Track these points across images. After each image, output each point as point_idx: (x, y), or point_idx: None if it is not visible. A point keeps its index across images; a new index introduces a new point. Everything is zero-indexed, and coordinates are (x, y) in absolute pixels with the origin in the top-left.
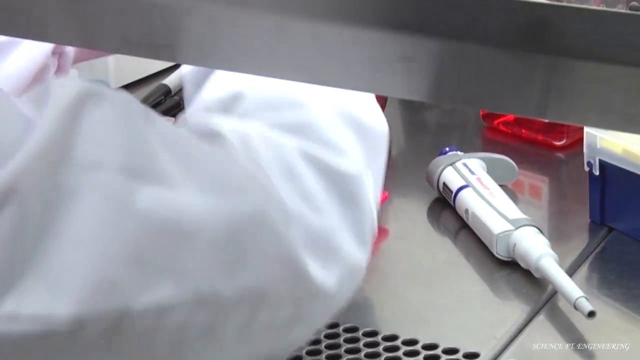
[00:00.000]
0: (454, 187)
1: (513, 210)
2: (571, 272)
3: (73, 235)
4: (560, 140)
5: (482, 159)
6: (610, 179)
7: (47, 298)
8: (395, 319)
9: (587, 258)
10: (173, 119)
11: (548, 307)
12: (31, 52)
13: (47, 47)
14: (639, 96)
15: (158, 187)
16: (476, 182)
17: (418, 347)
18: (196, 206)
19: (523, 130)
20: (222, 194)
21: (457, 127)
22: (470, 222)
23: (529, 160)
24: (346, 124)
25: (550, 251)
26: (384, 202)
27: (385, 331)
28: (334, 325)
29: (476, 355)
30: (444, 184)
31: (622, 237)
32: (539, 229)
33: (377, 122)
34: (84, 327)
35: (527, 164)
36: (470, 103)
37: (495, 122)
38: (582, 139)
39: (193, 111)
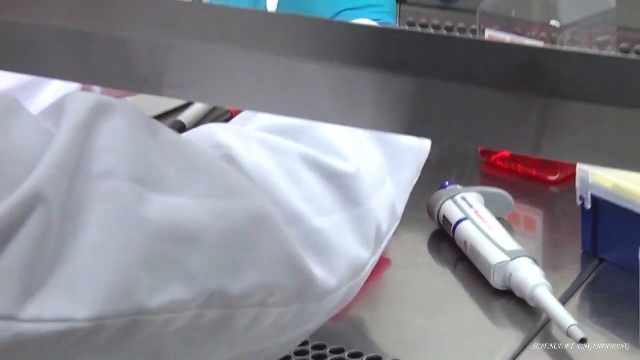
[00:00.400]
0: (453, 219)
1: (509, 242)
2: (564, 301)
3: (89, 242)
4: (554, 176)
5: (480, 193)
6: (601, 213)
7: (67, 302)
8: (398, 344)
9: (579, 288)
10: None
11: (542, 334)
12: (60, 89)
13: (76, 86)
14: (627, 135)
15: (166, 195)
16: (474, 215)
17: None
18: (201, 210)
19: (519, 166)
20: (226, 198)
21: (456, 162)
22: (468, 253)
23: (524, 194)
24: (372, 138)
25: (545, 281)
26: None
27: (389, 356)
28: (340, 351)
29: None
30: (444, 216)
31: (612, 268)
32: (533, 260)
33: (408, 138)
34: (102, 327)
35: (523, 198)
36: (469, 140)
37: (493, 158)
38: (574, 174)
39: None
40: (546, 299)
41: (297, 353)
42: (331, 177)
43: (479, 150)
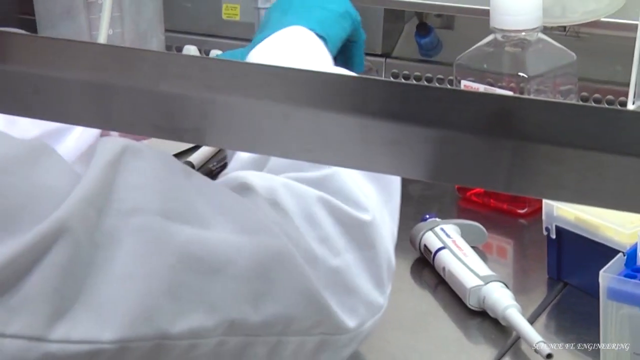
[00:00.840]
0: (433, 248)
1: (483, 268)
2: (532, 320)
3: (116, 272)
4: (522, 209)
5: (457, 224)
6: (565, 242)
7: (94, 325)
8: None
9: (545, 309)
10: None
11: (513, 350)
12: (82, 135)
13: (95, 131)
14: (586, 174)
15: (191, 227)
16: (452, 244)
17: None
18: (226, 244)
19: (491, 201)
20: (250, 234)
21: (436, 198)
22: (447, 278)
23: (496, 225)
24: (364, 175)
25: (515, 303)
26: None
27: None
28: None
29: None
30: (425, 245)
31: (575, 291)
32: (504, 284)
33: None
34: (126, 349)
35: (495, 229)
36: (447, 179)
37: (468, 193)
38: (541, 208)
39: (230, 169)
40: (516, 319)
41: None
42: (349, 224)
43: (456, 187)
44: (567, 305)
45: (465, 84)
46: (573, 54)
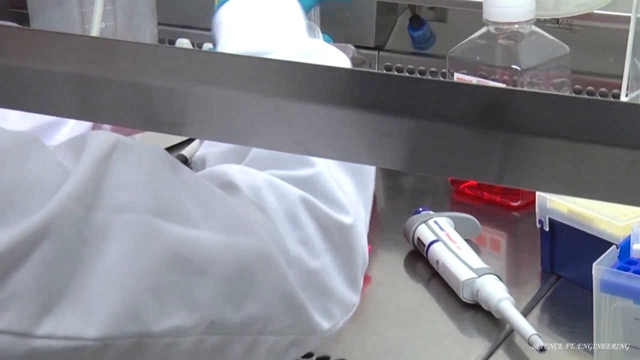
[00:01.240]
0: (426, 241)
1: (476, 261)
2: (525, 313)
3: (104, 268)
4: (516, 202)
5: (450, 217)
6: (558, 234)
7: (79, 321)
8: (378, 352)
9: (539, 301)
10: None
11: (506, 343)
12: (74, 129)
13: (87, 125)
14: (580, 166)
15: (179, 226)
16: (445, 237)
17: None
18: (212, 244)
19: (485, 193)
20: (234, 234)
21: (429, 191)
22: (440, 271)
23: (489, 218)
24: (340, 166)
25: (508, 295)
26: (369, 253)
27: None
28: (325, 358)
29: None
30: (418, 238)
31: (568, 283)
32: (498, 277)
33: None
34: (108, 347)
35: (488, 222)
36: (440, 172)
37: (461, 186)
38: (534, 200)
39: (209, 155)
40: (509, 312)
41: None
42: (330, 227)
43: (449, 179)
44: (561, 298)
45: (459, 77)
46: (566, 46)
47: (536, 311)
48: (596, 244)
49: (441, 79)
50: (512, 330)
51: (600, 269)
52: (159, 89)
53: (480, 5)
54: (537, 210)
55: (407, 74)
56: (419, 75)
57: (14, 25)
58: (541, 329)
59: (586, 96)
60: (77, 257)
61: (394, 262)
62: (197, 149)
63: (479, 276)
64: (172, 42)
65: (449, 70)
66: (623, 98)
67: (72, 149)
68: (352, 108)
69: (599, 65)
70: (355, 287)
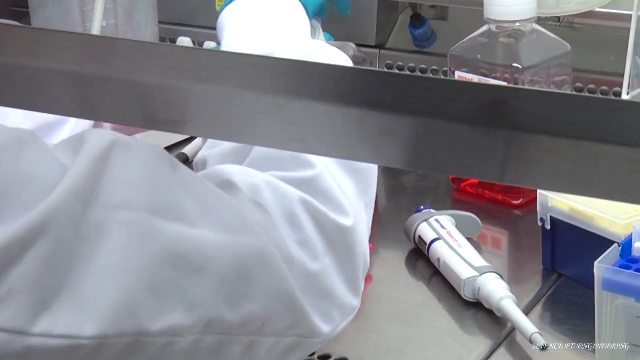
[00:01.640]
0: (428, 239)
1: (478, 259)
2: (527, 311)
3: (101, 266)
4: (517, 200)
5: (452, 215)
6: (559, 233)
7: (75, 319)
8: (379, 351)
9: (540, 300)
10: None
11: (508, 341)
12: (75, 128)
13: (88, 124)
14: (581, 164)
15: (177, 225)
16: (447, 235)
17: None
18: (210, 243)
19: (486, 192)
20: (233, 233)
21: (430, 189)
22: (441, 269)
23: (491, 216)
24: (341, 168)
25: (510, 294)
26: (370, 252)
27: None
28: (327, 357)
29: None
30: (420, 237)
31: (570, 282)
32: (499, 275)
33: None
34: (105, 345)
35: (490, 220)
36: (441, 170)
37: (463, 184)
38: (536, 199)
39: (210, 156)
40: (511, 310)
41: None
42: (330, 229)
43: (450, 178)
44: (562, 297)
45: (460, 75)
46: (567, 44)
47: (538, 310)
48: (598, 243)
49: (442, 77)
50: (513, 329)
51: (602, 267)
52: (160, 87)
53: (481, 3)
54: (538, 208)
55: (408, 73)
56: (420, 74)
57: (15, 23)
58: (543, 328)
59: (587, 94)
60: (74, 255)
61: (395, 260)
62: (198, 148)
63: (481, 274)
64: (173, 41)
65: (450, 69)
66: (624, 96)
67: (70, 146)
68: (353, 106)
69: (600, 63)
70: (356, 290)
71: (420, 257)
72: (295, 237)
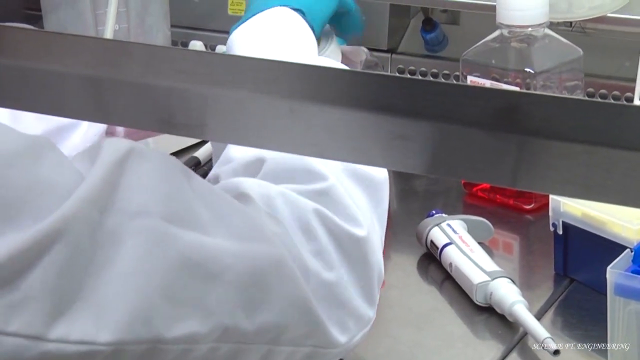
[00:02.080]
0: (439, 244)
1: (489, 264)
2: (539, 316)
3: (117, 272)
4: (529, 205)
5: (463, 220)
6: (571, 238)
7: (91, 326)
8: (390, 356)
9: (552, 305)
10: None
11: (520, 346)
12: (88, 132)
13: (101, 127)
14: (594, 169)
15: (192, 232)
16: (458, 240)
17: None
18: (225, 250)
19: (498, 196)
20: (248, 242)
21: (441, 193)
22: (453, 274)
23: (502, 221)
24: (354, 181)
25: (521, 299)
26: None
27: None
28: None
29: None
30: (432, 241)
31: (582, 287)
32: (511, 280)
33: (378, 171)
34: (121, 351)
35: (501, 225)
36: (454, 174)
37: (474, 189)
38: (547, 203)
39: (223, 172)
40: (523, 315)
41: None
42: (344, 239)
43: (462, 182)
44: (574, 302)
45: (472, 80)
46: (579, 49)
47: (549, 314)
48: (610, 248)
49: (454, 82)
50: (525, 334)
51: (615, 272)
52: (174, 91)
53: (493, 8)
54: (550, 213)
55: (419, 77)
56: (431, 78)
57: (28, 27)
58: (554, 332)
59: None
60: (90, 261)
61: (406, 264)
62: (210, 151)
63: (493, 279)
64: (185, 44)
65: (462, 74)
66: (636, 101)
67: (87, 156)
68: (366, 110)
69: (613, 68)
70: (371, 301)
71: (431, 261)
72: (310, 248)
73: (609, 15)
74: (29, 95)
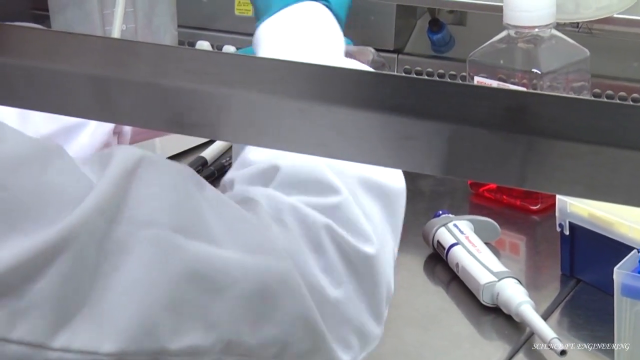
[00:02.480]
0: (446, 244)
1: (496, 264)
2: (545, 316)
3: (122, 282)
4: (535, 205)
5: (470, 220)
6: (578, 238)
7: (95, 335)
8: (397, 356)
9: (559, 305)
10: None
11: (526, 346)
12: (96, 132)
13: (108, 127)
14: (601, 170)
15: (201, 244)
16: (465, 240)
17: None
18: (233, 263)
19: (504, 197)
20: (257, 254)
21: (447, 193)
22: (460, 274)
23: (509, 222)
24: (368, 192)
25: (528, 299)
26: None
27: None
28: None
29: None
30: (438, 241)
31: (588, 287)
32: (518, 280)
33: (395, 181)
34: None
35: (508, 225)
36: (461, 174)
37: (481, 189)
38: (554, 204)
39: (238, 177)
40: (530, 315)
41: None
42: (353, 256)
43: (469, 182)
44: (581, 302)
45: (478, 80)
46: (586, 50)
47: (556, 315)
48: (617, 248)
49: (462, 82)
50: (532, 334)
51: (622, 273)
52: (183, 90)
53: (499, 9)
54: (557, 214)
55: (427, 77)
56: (438, 79)
57: (36, 26)
58: (561, 333)
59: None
60: (95, 271)
61: (413, 265)
62: (217, 151)
63: (499, 280)
64: (192, 44)
65: (469, 74)
66: None
67: (98, 162)
68: (375, 111)
69: (619, 69)
70: (379, 318)
71: (438, 261)
72: (318, 263)
73: (615, 16)
74: (37, 94)
